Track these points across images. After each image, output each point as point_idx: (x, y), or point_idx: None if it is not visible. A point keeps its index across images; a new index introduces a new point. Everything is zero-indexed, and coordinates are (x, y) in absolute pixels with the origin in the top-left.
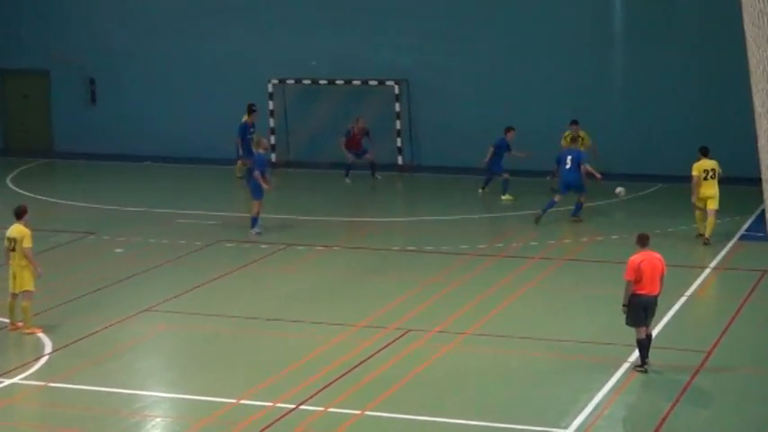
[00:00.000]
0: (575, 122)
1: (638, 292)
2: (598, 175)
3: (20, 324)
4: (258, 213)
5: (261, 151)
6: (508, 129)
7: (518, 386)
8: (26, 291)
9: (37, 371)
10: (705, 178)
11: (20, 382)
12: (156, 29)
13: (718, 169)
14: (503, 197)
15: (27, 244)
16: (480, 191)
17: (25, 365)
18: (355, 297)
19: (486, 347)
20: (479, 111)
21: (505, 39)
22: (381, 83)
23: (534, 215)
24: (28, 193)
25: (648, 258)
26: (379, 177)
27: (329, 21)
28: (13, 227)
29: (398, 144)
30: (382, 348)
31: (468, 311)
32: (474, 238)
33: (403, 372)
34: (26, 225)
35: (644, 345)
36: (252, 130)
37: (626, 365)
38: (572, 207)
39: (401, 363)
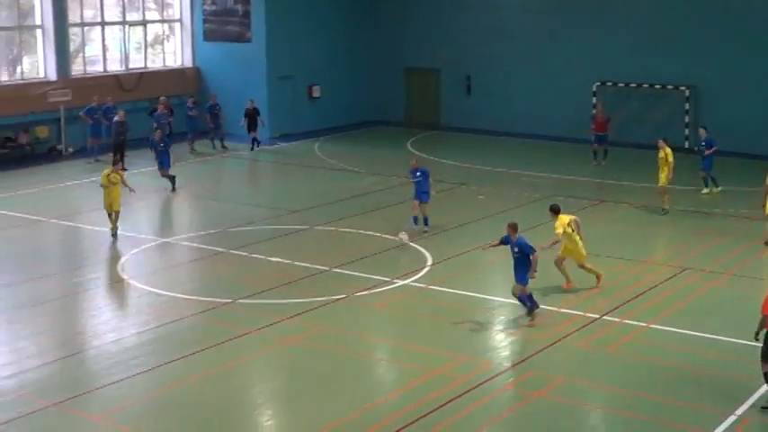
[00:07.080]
0: None
1: None
2: None
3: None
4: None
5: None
6: None
7: None
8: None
9: (421, 276)
10: None
11: (409, 283)
12: (517, 40)
13: None
14: None
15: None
16: None
17: (413, 272)
18: None
19: None
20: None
21: None
22: (676, 88)
23: None
24: (422, 154)
25: None
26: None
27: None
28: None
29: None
30: None
31: None
32: None
33: None
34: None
35: None
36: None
37: None
38: None
39: None
